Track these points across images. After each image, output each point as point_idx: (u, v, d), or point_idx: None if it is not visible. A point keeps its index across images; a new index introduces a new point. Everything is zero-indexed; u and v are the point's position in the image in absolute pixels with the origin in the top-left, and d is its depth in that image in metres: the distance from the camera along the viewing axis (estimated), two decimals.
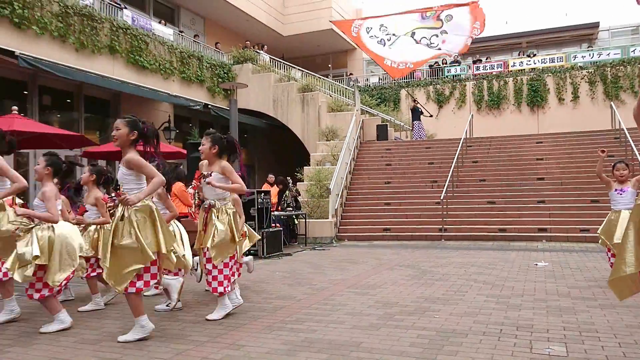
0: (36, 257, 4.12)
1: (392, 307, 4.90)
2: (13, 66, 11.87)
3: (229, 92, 18.46)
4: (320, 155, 15.73)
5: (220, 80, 18.79)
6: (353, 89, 19.44)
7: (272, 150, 22.54)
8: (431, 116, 20.00)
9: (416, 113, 18.83)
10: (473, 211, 12.74)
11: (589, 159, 13.75)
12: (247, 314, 4.72)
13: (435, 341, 3.73)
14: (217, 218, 4.56)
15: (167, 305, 4.97)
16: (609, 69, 20.61)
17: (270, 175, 14.21)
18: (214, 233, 4.49)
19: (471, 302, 5.05)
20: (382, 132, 17.68)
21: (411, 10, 15.50)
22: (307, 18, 25.06)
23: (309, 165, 15.44)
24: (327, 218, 12.67)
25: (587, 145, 14.59)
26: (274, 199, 12.89)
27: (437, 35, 14.72)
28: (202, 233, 4.62)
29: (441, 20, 14.73)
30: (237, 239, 4.65)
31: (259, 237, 5.82)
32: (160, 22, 18.21)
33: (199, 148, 4.76)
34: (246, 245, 5.40)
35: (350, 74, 26.90)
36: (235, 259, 4.77)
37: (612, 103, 17.69)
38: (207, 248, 4.48)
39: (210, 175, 4.57)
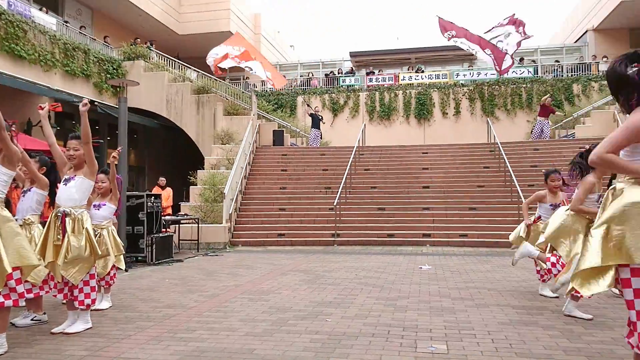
0: None
1: (285, 312, 4.92)
2: None
3: (118, 89, 17.45)
4: (215, 158, 15.43)
5: (108, 76, 17.72)
6: (250, 94, 19.33)
7: (164, 152, 21.69)
8: (323, 121, 20.38)
9: (315, 120, 19.16)
10: (364, 217, 13.22)
11: (468, 169, 14.91)
12: (134, 324, 4.48)
13: (327, 345, 3.80)
14: (73, 230, 4.14)
15: (31, 320, 4.53)
16: (486, 87, 22.52)
17: (161, 179, 13.66)
18: (67, 248, 4.08)
19: (361, 305, 5.22)
20: (278, 137, 17.76)
21: None
22: (205, 18, 24.51)
23: (203, 169, 15.06)
24: (221, 223, 12.44)
25: (467, 156, 15.80)
26: (166, 202, 12.40)
27: None
28: (57, 245, 4.14)
29: None
30: (98, 253, 4.33)
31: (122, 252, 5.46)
32: (41, 10, 16.77)
33: (68, 153, 4.31)
34: (113, 261, 5.15)
35: (247, 78, 26.74)
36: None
37: (488, 119, 19.34)
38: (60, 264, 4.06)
39: (74, 179, 4.27)
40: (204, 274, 7.69)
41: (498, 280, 6.84)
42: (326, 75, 26.48)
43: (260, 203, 14.23)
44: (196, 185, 14.13)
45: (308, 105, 20.40)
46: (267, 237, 12.52)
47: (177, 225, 11.46)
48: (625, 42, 24.95)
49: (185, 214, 12.25)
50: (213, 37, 24.46)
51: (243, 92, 20.50)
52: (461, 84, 23.18)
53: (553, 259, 4.97)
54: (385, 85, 23.87)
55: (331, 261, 9.18)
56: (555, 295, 5.34)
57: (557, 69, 23.53)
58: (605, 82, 20.03)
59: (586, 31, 25.77)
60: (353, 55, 28.94)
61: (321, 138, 19.32)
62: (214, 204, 12.94)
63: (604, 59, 22.97)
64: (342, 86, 24.42)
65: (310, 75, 26.19)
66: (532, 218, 5.85)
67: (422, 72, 25.02)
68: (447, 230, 12.25)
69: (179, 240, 11.52)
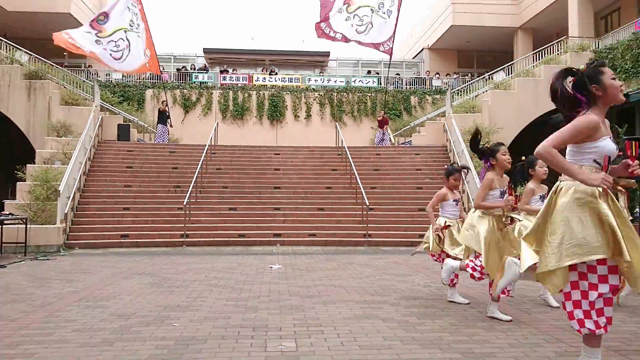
0: None
1: (128, 319, 4.61)
2: None
3: None
4: (50, 152, 13.92)
5: None
6: (92, 83, 17.83)
7: None
8: (171, 126, 19.52)
9: (163, 116, 18.31)
10: (215, 217, 13.00)
11: (318, 171, 15.49)
12: None
13: (174, 350, 3.65)
14: None
15: None
16: (335, 94, 23.64)
17: None
18: None
19: (211, 307, 5.11)
20: (123, 132, 16.65)
21: None
22: None
23: (34, 163, 13.48)
24: (55, 223, 11.28)
25: (317, 158, 16.41)
26: None
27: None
28: None
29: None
30: None
31: None
32: None
33: None
34: None
35: (90, 66, 24.64)
36: None
37: (337, 124, 20.31)
38: None
39: None
40: (32, 281, 6.89)
41: (343, 277, 7.19)
42: (178, 70, 25.54)
43: (102, 202, 13.19)
44: (25, 181, 12.61)
45: (166, 105, 19.45)
46: (109, 239, 11.64)
47: (0, 226, 10.11)
48: (454, 61, 28.10)
49: (10, 214, 10.84)
50: (50, 18, 22.08)
51: (84, 81, 18.86)
52: (312, 88, 24.02)
53: (472, 264, 4.77)
54: (239, 85, 23.78)
55: (180, 263, 8.85)
56: (466, 301, 5.22)
57: (397, 81, 25.59)
58: (437, 96, 22.39)
59: (423, 49, 28.47)
60: (207, 51, 28.33)
61: (169, 134, 18.53)
62: (46, 202, 11.68)
63: (436, 76, 25.59)
64: (194, 82, 23.75)
65: (161, 68, 24.99)
66: (443, 222, 5.48)
67: (276, 74, 25.43)
68: (297, 230, 12.58)
69: (2, 243, 10.16)
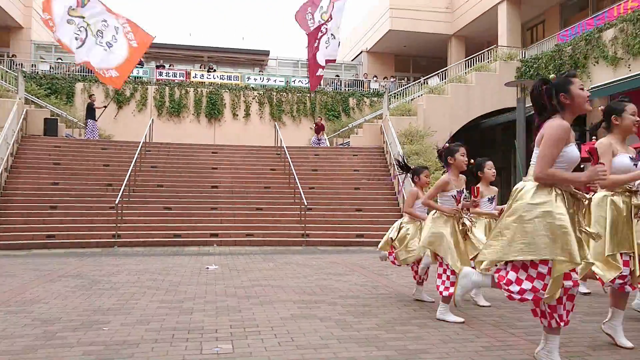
0: None
1: (54, 324, 4.37)
2: None
3: None
4: None
5: None
6: (16, 74, 16.79)
7: None
8: (105, 107, 18.80)
9: (92, 111, 17.52)
10: (149, 216, 12.60)
11: (256, 170, 15.38)
12: None
13: (103, 356, 3.49)
14: None
15: None
16: (275, 93, 23.56)
17: None
18: None
19: (144, 310, 4.95)
20: (51, 126, 15.81)
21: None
22: None
23: None
24: None
25: (255, 158, 16.28)
26: None
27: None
28: None
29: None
30: None
31: None
32: None
33: None
34: None
35: (14, 55, 23.17)
36: None
37: (276, 123, 20.26)
38: None
39: None
40: None
41: (281, 277, 7.18)
42: None
43: (26, 200, 12.46)
44: None
45: (91, 96, 18.62)
46: (33, 239, 11.01)
47: None
48: (391, 64, 28.78)
49: None
50: None
51: (7, 72, 17.72)
52: (252, 87, 23.82)
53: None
54: (176, 81, 23.17)
55: (110, 264, 8.50)
56: (431, 299, 5.25)
57: (336, 83, 25.87)
58: (375, 98, 22.85)
59: (361, 52, 28.94)
60: None
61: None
62: None
63: (374, 78, 26.10)
64: (129, 77, 22.85)
65: None
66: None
67: (214, 71, 24.99)
68: (234, 230, 12.43)
69: None
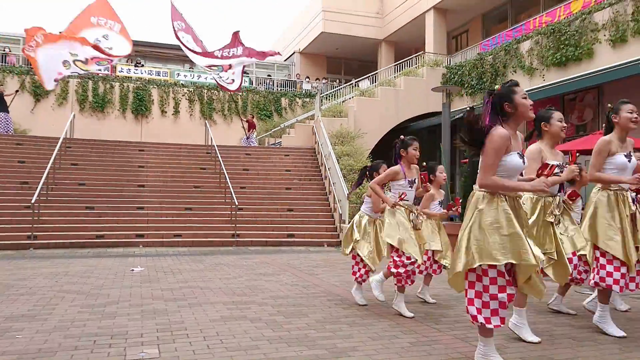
0: None
1: None
2: None
3: None
4: None
5: None
6: None
7: None
8: (17, 91, 17.70)
9: (2, 102, 16.32)
10: (70, 216, 11.95)
11: (185, 169, 14.99)
12: None
13: None
14: None
15: None
16: (205, 91, 23.09)
17: None
18: None
19: (63, 316, 4.68)
20: None
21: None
22: None
23: None
24: None
25: (185, 156, 15.87)
26: None
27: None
28: None
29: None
30: None
31: None
32: None
33: None
34: None
35: None
36: None
37: (206, 122, 19.85)
38: None
39: None
40: None
41: (210, 278, 7.05)
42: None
43: None
44: None
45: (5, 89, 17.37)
46: None
47: None
48: (323, 66, 29.04)
49: None
50: None
51: None
52: (181, 84, 23.21)
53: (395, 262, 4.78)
54: (100, 75, 22.10)
55: (26, 267, 7.97)
56: (383, 298, 5.21)
57: (269, 82, 25.74)
58: (307, 99, 23.00)
59: (294, 52, 29.00)
60: None
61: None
62: None
63: (307, 79, 26.24)
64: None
65: (7, 50, 22.34)
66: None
67: (142, 66, 24.11)
68: (161, 231, 12.05)
69: None
